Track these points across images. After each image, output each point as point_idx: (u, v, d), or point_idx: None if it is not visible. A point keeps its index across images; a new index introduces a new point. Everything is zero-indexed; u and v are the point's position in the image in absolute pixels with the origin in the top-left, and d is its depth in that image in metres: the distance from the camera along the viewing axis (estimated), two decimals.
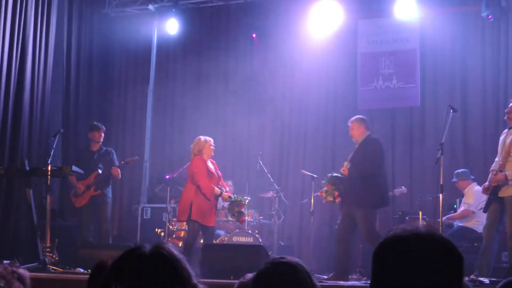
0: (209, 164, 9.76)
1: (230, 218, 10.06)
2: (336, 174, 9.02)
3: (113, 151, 10.97)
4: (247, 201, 10.12)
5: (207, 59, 13.18)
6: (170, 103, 13.60)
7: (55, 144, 10.02)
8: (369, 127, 9.34)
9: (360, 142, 9.14)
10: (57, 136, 10.15)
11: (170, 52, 13.64)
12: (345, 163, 9.12)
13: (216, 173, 9.80)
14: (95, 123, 10.97)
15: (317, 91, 12.69)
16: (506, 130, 8.71)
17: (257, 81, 13.04)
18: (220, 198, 9.86)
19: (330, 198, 8.95)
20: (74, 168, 10.08)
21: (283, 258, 2.72)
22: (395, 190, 11.19)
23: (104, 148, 10.91)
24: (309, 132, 12.79)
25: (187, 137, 12.67)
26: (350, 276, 9.32)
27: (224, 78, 13.30)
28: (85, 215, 10.64)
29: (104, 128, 10.91)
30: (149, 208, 12.13)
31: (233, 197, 9.69)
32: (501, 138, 8.71)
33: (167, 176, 12.12)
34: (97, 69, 13.33)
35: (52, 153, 9.73)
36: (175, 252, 2.06)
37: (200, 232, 9.66)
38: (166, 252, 2.03)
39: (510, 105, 8.56)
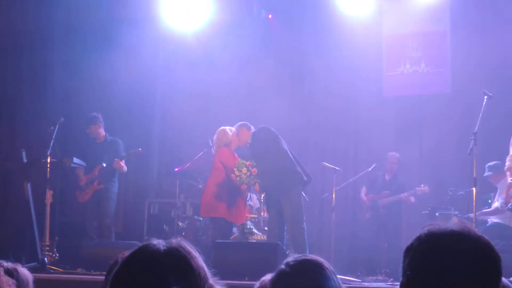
0: None
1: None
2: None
3: (119, 141, 10.88)
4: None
5: (220, 42, 13.13)
6: (180, 90, 13.54)
7: (55, 134, 10.03)
8: (250, 126, 9.86)
9: (250, 142, 9.76)
10: (57, 126, 10.15)
11: (179, 35, 13.56)
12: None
13: None
14: (92, 114, 10.88)
15: (339, 77, 12.62)
16: None
17: (273, 66, 13.01)
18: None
19: (237, 173, 9.31)
20: (76, 160, 10.11)
21: (305, 255, 2.66)
22: (416, 188, 11.22)
23: (110, 139, 10.89)
24: (330, 121, 12.75)
25: (198, 127, 12.66)
26: (375, 277, 9.38)
27: (238, 63, 13.23)
28: (89, 211, 10.63)
29: (96, 121, 10.79)
30: (157, 203, 12.15)
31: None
32: None
33: (177, 169, 12.13)
34: (99, 53, 13.25)
35: (51, 143, 9.74)
36: (192, 249, 2.06)
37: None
38: (182, 249, 2.02)
39: None
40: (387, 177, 11.81)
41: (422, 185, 11.20)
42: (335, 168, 10.72)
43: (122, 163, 10.52)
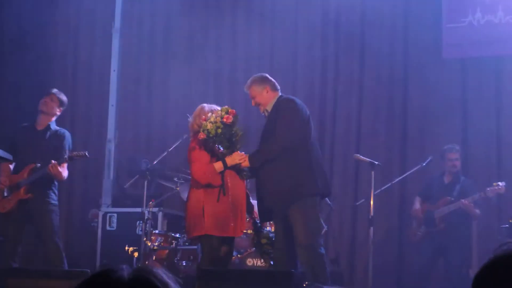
0: None
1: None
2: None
3: (65, 134, 10.79)
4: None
5: None
6: (146, 50, 13.52)
7: None
8: (276, 86, 9.43)
9: (270, 110, 9.37)
10: None
11: None
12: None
13: None
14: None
15: (376, 29, 12.62)
16: None
17: (285, 22, 13.04)
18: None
19: (209, 114, 9.03)
20: None
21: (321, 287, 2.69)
22: (487, 189, 11.00)
23: (54, 129, 10.83)
24: (365, 96, 12.74)
25: (172, 102, 12.65)
26: None
27: (230, 11, 13.22)
28: (12, 227, 10.54)
29: (54, 93, 10.78)
30: (115, 214, 12.16)
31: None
32: None
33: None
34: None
35: None
36: (168, 279, 2.07)
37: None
38: (154, 279, 2.04)
39: None
40: (446, 179, 11.67)
41: (495, 184, 11.04)
42: (374, 163, 10.69)
43: (62, 167, 10.39)
